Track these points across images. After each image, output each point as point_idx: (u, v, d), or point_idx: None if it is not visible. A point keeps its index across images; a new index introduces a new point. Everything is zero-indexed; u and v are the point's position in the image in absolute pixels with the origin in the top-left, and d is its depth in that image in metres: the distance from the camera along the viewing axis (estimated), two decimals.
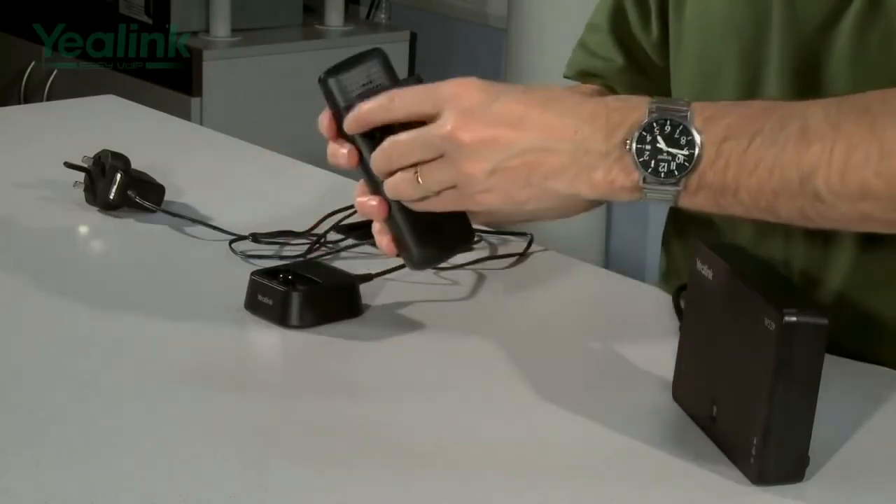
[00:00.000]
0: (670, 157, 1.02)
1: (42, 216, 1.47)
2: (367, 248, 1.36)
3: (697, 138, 1.02)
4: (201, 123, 3.00)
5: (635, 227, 3.20)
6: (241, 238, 1.38)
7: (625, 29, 1.33)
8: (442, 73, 1.11)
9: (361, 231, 1.36)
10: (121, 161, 1.45)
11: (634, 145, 1.02)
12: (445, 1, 3.56)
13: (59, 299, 1.26)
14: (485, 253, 1.39)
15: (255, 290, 1.23)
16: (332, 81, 1.09)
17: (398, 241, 1.11)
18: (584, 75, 1.36)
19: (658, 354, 1.14)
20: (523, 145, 1.04)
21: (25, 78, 3.53)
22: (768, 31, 1.19)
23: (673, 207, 1.33)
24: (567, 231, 1.83)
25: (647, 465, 1.01)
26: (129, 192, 1.44)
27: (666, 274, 1.37)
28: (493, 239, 1.42)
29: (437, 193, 1.06)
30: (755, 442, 0.96)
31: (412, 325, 1.23)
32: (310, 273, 1.24)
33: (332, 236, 1.40)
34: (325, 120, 1.10)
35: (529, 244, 1.41)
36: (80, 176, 1.47)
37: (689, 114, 1.02)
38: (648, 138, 1.02)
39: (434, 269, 1.33)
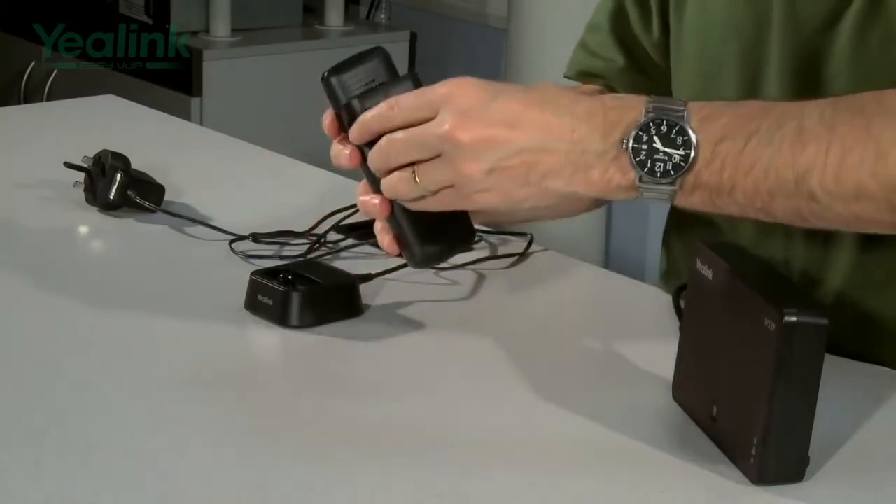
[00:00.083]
0: (666, 157, 1.02)
1: (42, 216, 1.47)
2: (367, 248, 1.36)
3: (694, 138, 1.02)
4: (201, 123, 3.00)
5: (635, 227, 3.20)
6: (241, 238, 1.38)
7: (625, 29, 1.33)
8: (442, 73, 1.11)
9: (361, 231, 1.36)
10: (121, 161, 1.45)
11: (631, 145, 1.02)
12: (445, 1, 3.56)
13: (59, 299, 1.26)
14: (485, 253, 1.39)
15: (255, 290, 1.23)
16: (334, 80, 1.09)
17: (400, 239, 1.11)
18: (584, 75, 1.36)
19: (658, 354, 1.14)
20: (521, 145, 1.04)
21: (25, 78, 3.53)
22: (768, 31, 1.19)
23: (674, 207, 1.34)
24: (567, 231, 1.83)
25: (647, 465, 1.01)
26: (129, 192, 1.44)
27: (666, 274, 1.37)
28: (493, 239, 1.42)
29: (435, 193, 1.06)
30: (755, 442, 0.96)
31: (412, 325, 1.23)
32: (310, 273, 1.24)
33: (332, 236, 1.40)
34: (327, 119, 1.10)
35: (529, 244, 1.41)
36: (80, 176, 1.47)
37: (685, 114, 1.02)
38: (645, 138, 1.02)
39: (434, 268, 1.33)
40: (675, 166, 1.02)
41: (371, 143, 1.08)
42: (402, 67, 1.12)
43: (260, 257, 1.35)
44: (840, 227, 1.08)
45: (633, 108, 1.04)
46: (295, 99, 3.24)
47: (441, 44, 3.52)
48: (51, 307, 1.25)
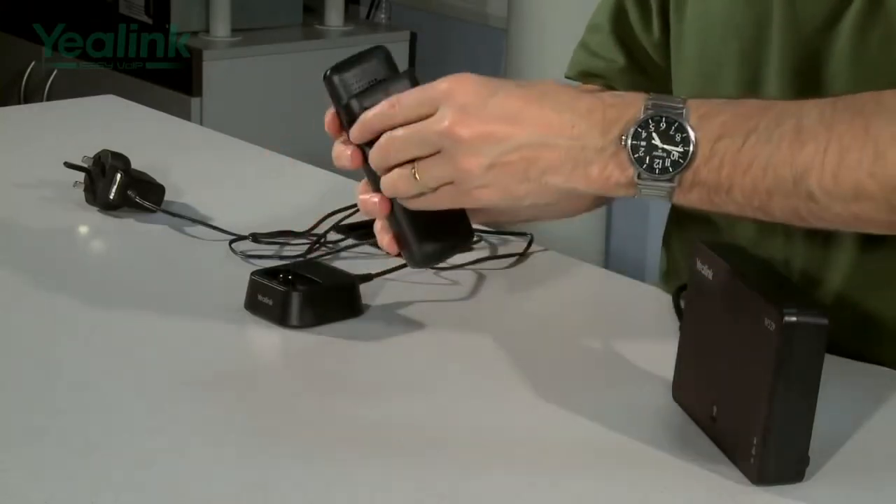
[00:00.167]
0: (665, 154, 1.02)
1: (42, 216, 1.47)
2: (367, 248, 1.36)
3: (692, 136, 1.02)
4: (201, 123, 3.00)
5: (635, 227, 3.20)
6: (241, 238, 1.38)
7: (626, 29, 1.33)
8: (442, 74, 1.10)
9: (361, 231, 1.36)
10: (121, 161, 1.45)
11: (630, 141, 1.02)
12: (445, 1, 3.56)
13: (59, 299, 1.26)
14: (485, 253, 1.39)
15: (255, 290, 1.23)
16: (336, 79, 1.09)
17: (399, 239, 1.11)
18: (585, 75, 1.36)
19: (658, 354, 1.14)
20: (520, 140, 1.04)
21: (25, 78, 3.53)
22: (768, 32, 1.19)
23: (674, 207, 1.34)
24: (567, 231, 1.83)
25: (647, 465, 1.01)
26: (129, 192, 1.44)
27: (666, 274, 1.37)
28: (493, 239, 1.42)
29: (434, 190, 1.06)
30: (755, 442, 0.96)
31: (412, 325, 1.23)
32: (310, 273, 1.24)
33: (332, 236, 1.40)
34: (328, 117, 1.10)
35: (529, 244, 1.41)
36: (80, 176, 1.47)
37: (684, 111, 1.03)
38: (644, 135, 1.02)
39: (434, 268, 1.33)
40: (674, 163, 1.02)
41: (372, 143, 1.08)
42: (402, 67, 1.13)
43: (260, 257, 1.35)
44: (838, 227, 1.08)
45: (633, 105, 1.04)
46: (295, 99, 3.24)
47: (441, 44, 3.52)
48: (51, 307, 1.25)
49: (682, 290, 1.18)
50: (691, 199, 1.04)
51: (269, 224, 1.41)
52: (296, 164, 1.69)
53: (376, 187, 1.10)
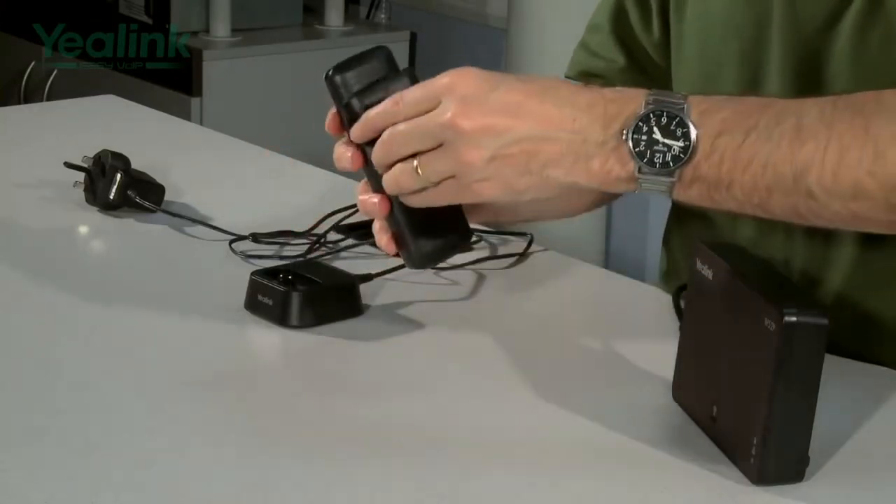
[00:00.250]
0: (666, 149, 1.02)
1: (42, 216, 1.47)
2: (367, 248, 1.36)
3: (693, 131, 1.02)
4: (201, 123, 3.00)
5: (635, 227, 3.20)
6: (241, 238, 1.38)
7: (626, 29, 1.33)
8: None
9: (361, 231, 1.36)
10: (121, 161, 1.45)
11: (631, 135, 1.02)
12: (445, 1, 3.56)
13: (59, 299, 1.26)
14: (485, 253, 1.39)
15: (255, 290, 1.23)
16: (337, 79, 1.09)
17: (398, 239, 1.11)
18: (585, 75, 1.36)
19: (658, 354, 1.14)
20: (521, 133, 1.04)
21: (25, 78, 3.53)
22: (769, 31, 1.19)
23: (674, 207, 1.34)
24: (567, 231, 1.83)
25: (647, 465, 1.01)
26: (129, 192, 1.44)
27: (666, 274, 1.37)
28: (493, 239, 1.42)
29: (436, 185, 1.06)
30: (755, 442, 0.96)
31: (412, 325, 1.23)
32: (310, 273, 1.24)
33: (332, 236, 1.40)
34: (329, 117, 1.10)
35: (529, 244, 1.41)
36: (80, 176, 1.47)
37: (685, 106, 1.03)
38: (645, 129, 1.02)
39: (434, 268, 1.33)
40: (675, 158, 1.02)
41: (372, 142, 1.08)
42: (402, 67, 1.13)
43: (260, 257, 1.35)
44: (838, 226, 1.08)
45: (634, 100, 1.04)
46: (295, 99, 3.24)
47: (441, 44, 3.52)
48: (51, 307, 1.25)
49: (682, 290, 1.18)
50: (691, 195, 1.04)
51: (269, 224, 1.41)
52: (296, 164, 1.69)
53: (376, 187, 1.10)
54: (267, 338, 1.21)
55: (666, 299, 1.28)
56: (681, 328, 1.09)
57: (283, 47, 3.33)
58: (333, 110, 1.10)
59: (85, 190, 1.47)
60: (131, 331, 1.21)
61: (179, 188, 1.52)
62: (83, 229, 1.46)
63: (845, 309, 1.18)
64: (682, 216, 1.33)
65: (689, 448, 1.02)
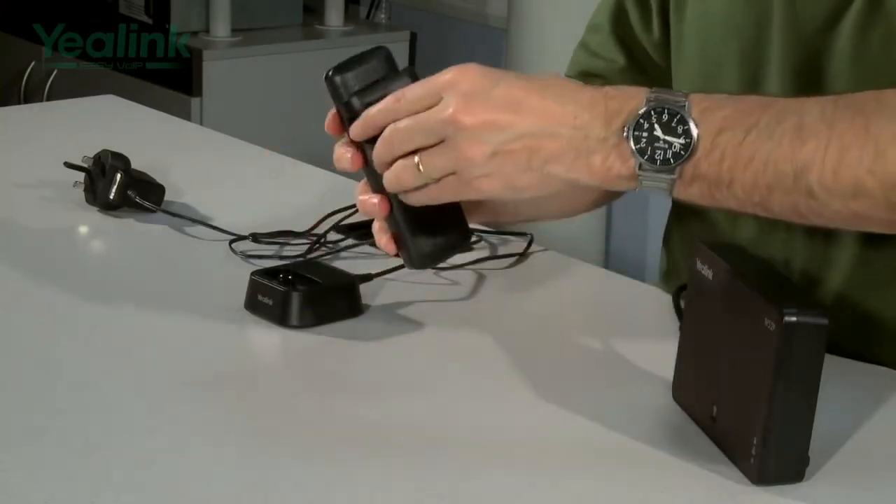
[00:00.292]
0: (667, 146, 1.02)
1: (42, 216, 1.47)
2: (367, 248, 1.36)
3: (694, 128, 1.02)
4: (201, 123, 3.00)
5: (635, 227, 3.20)
6: (241, 238, 1.38)
7: (626, 29, 1.33)
8: None
9: (361, 231, 1.36)
10: (121, 161, 1.45)
11: (632, 132, 1.02)
12: (445, 1, 3.56)
13: (59, 299, 1.26)
14: (485, 253, 1.39)
15: (255, 290, 1.23)
16: (338, 79, 1.09)
17: (398, 239, 1.11)
18: (585, 75, 1.35)
19: (658, 354, 1.14)
20: (523, 129, 1.03)
21: (25, 78, 3.53)
22: (769, 31, 1.19)
23: (674, 207, 1.34)
24: (567, 231, 1.83)
25: (647, 465, 1.01)
26: (129, 192, 1.44)
27: (666, 274, 1.37)
28: (493, 239, 1.42)
29: (437, 181, 1.06)
30: (755, 442, 0.96)
31: (412, 325, 1.23)
32: (310, 273, 1.24)
33: (332, 236, 1.40)
34: (329, 117, 1.10)
35: (529, 244, 1.41)
36: (80, 176, 1.47)
37: (686, 104, 1.03)
38: (646, 126, 1.02)
39: (434, 268, 1.33)
40: (675, 155, 1.02)
41: (372, 141, 1.08)
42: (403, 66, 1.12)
43: (260, 257, 1.35)
44: (838, 225, 1.08)
45: (635, 97, 1.04)
46: (295, 99, 3.24)
47: (441, 44, 3.52)
48: (51, 307, 1.25)
49: (682, 290, 1.18)
50: (692, 193, 1.04)
51: (269, 224, 1.41)
52: (296, 164, 1.69)
53: (376, 188, 1.10)
54: (267, 338, 1.21)
55: (666, 299, 1.28)
56: (681, 328, 1.09)
57: (283, 47, 3.33)
58: (333, 111, 1.10)
59: (85, 190, 1.47)
60: (131, 331, 1.21)
61: (179, 188, 1.52)
62: (83, 229, 1.46)
63: (845, 309, 1.18)
64: (683, 216, 1.33)
65: (689, 448, 1.02)
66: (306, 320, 1.20)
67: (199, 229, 1.42)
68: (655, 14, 1.30)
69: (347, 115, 1.09)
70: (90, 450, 1.00)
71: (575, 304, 1.35)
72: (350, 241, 1.39)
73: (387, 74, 1.10)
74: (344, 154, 1.10)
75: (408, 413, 1.08)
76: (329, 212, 1.42)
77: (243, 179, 1.65)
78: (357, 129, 1.08)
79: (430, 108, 1.05)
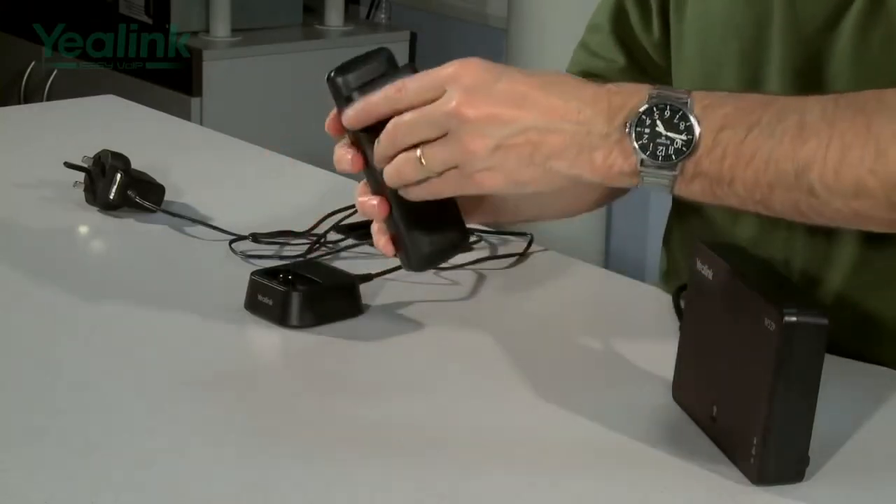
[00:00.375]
0: (669, 142, 1.02)
1: (42, 216, 1.47)
2: (367, 248, 1.36)
3: (696, 124, 1.02)
4: (201, 123, 3.00)
5: (635, 227, 3.20)
6: (241, 238, 1.38)
7: (626, 29, 1.33)
8: None
9: (361, 231, 1.36)
10: (121, 161, 1.45)
11: (634, 128, 1.02)
12: (445, 1, 3.56)
13: (59, 299, 1.26)
14: (485, 253, 1.39)
15: (255, 290, 1.23)
16: (339, 80, 1.09)
17: (396, 241, 1.11)
18: (585, 75, 1.35)
19: (658, 354, 1.14)
20: (526, 123, 1.03)
21: (25, 78, 3.53)
22: (769, 32, 1.19)
23: (675, 206, 1.34)
24: (567, 231, 1.83)
25: (647, 465, 1.01)
26: (129, 192, 1.44)
27: (666, 274, 1.37)
28: (493, 239, 1.42)
29: (439, 175, 1.05)
30: (755, 442, 0.96)
31: (412, 325, 1.23)
32: (310, 273, 1.24)
33: (332, 236, 1.40)
34: (330, 118, 1.10)
35: (529, 244, 1.41)
36: (80, 176, 1.47)
37: (688, 101, 1.03)
38: (648, 122, 1.02)
39: (433, 269, 1.32)
40: (677, 151, 1.02)
41: (373, 141, 1.08)
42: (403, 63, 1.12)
43: (260, 257, 1.35)
44: (839, 224, 1.08)
45: (637, 93, 1.04)
46: (295, 99, 3.24)
47: (441, 44, 3.52)
48: (51, 307, 1.25)
49: (682, 290, 1.18)
50: (693, 190, 1.04)
51: (269, 224, 1.41)
52: (296, 164, 1.69)
53: (376, 189, 1.10)
54: (267, 338, 1.21)
55: (666, 299, 1.28)
56: (681, 328, 1.09)
57: (283, 47, 3.33)
58: (335, 111, 1.10)
59: (85, 190, 1.47)
60: (131, 331, 1.21)
61: (179, 188, 1.52)
62: (83, 229, 1.46)
63: (845, 309, 1.18)
64: (683, 216, 1.33)
65: (689, 448, 1.02)
66: (306, 320, 1.20)
67: (199, 229, 1.42)
68: (655, 14, 1.30)
69: None
70: (90, 450, 1.00)
71: (575, 304, 1.35)
72: (350, 241, 1.39)
73: (387, 72, 1.09)
74: (344, 155, 1.09)
75: (408, 413, 1.08)
76: (329, 212, 1.42)
77: (243, 179, 1.65)
78: (354, 116, 1.07)
79: (431, 99, 1.05)
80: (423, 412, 1.08)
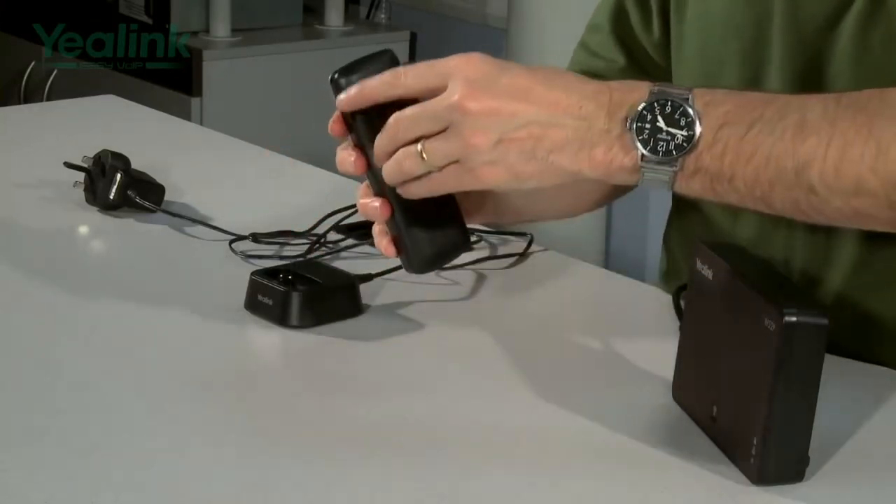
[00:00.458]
0: (669, 137, 1.02)
1: (42, 216, 1.47)
2: (367, 248, 1.36)
3: (696, 120, 1.02)
4: (201, 123, 3.00)
5: (635, 227, 3.20)
6: (241, 238, 1.38)
7: (626, 29, 1.33)
8: None
9: (361, 231, 1.36)
10: (121, 161, 1.45)
11: (635, 123, 1.02)
12: (445, 1, 3.56)
13: (59, 299, 1.26)
14: (485, 253, 1.39)
15: (255, 290, 1.23)
16: (342, 81, 1.09)
17: (397, 243, 1.11)
18: (585, 75, 1.35)
19: (658, 354, 1.14)
20: (529, 117, 1.03)
21: (25, 78, 3.53)
22: (769, 31, 1.19)
23: (675, 206, 1.34)
24: (567, 231, 1.83)
25: (647, 465, 1.01)
26: (129, 192, 1.44)
27: (666, 274, 1.37)
28: (493, 239, 1.42)
29: (440, 170, 1.05)
30: (755, 442, 0.96)
31: (412, 325, 1.23)
32: (310, 273, 1.24)
33: (332, 236, 1.40)
34: (333, 119, 1.10)
35: (529, 244, 1.41)
36: (80, 176, 1.47)
37: (689, 97, 1.03)
38: (648, 117, 1.02)
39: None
40: (678, 146, 1.02)
41: (372, 140, 1.07)
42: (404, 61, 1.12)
43: (260, 257, 1.35)
44: (839, 223, 1.07)
45: (638, 89, 1.04)
46: (295, 99, 3.24)
47: (441, 44, 3.52)
48: (51, 307, 1.25)
49: (682, 290, 1.18)
50: (693, 186, 1.04)
51: (269, 224, 1.42)
52: (296, 164, 1.69)
53: (378, 191, 1.10)
54: (267, 338, 1.21)
55: (666, 299, 1.28)
56: (681, 328, 1.09)
57: (283, 47, 3.33)
58: (337, 112, 1.10)
59: (85, 190, 1.47)
60: (131, 331, 1.21)
61: (179, 188, 1.52)
62: (83, 229, 1.46)
63: (845, 309, 1.18)
64: (683, 215, 1.33)
65: (689, 448, 1.02)
66: (306, 320, 1.20)
67: (199, 229, 1.42)
68: (656, 14, 1.30)
69: (351, 115, 1.09)
70: (90, 450, 1.00)
71: (575, 304, 1.35)
72: (350, 242, 1.39)
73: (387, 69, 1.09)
74: (347, 158, 1.09)
75: (408, 413, 1.08)
76: (329, 212, 1.42)
77: (243, 179, 1.65)
78: (350, 99, 1.07)
79: (431, 87, 1.04)
80: (423, 412, 1.08)
